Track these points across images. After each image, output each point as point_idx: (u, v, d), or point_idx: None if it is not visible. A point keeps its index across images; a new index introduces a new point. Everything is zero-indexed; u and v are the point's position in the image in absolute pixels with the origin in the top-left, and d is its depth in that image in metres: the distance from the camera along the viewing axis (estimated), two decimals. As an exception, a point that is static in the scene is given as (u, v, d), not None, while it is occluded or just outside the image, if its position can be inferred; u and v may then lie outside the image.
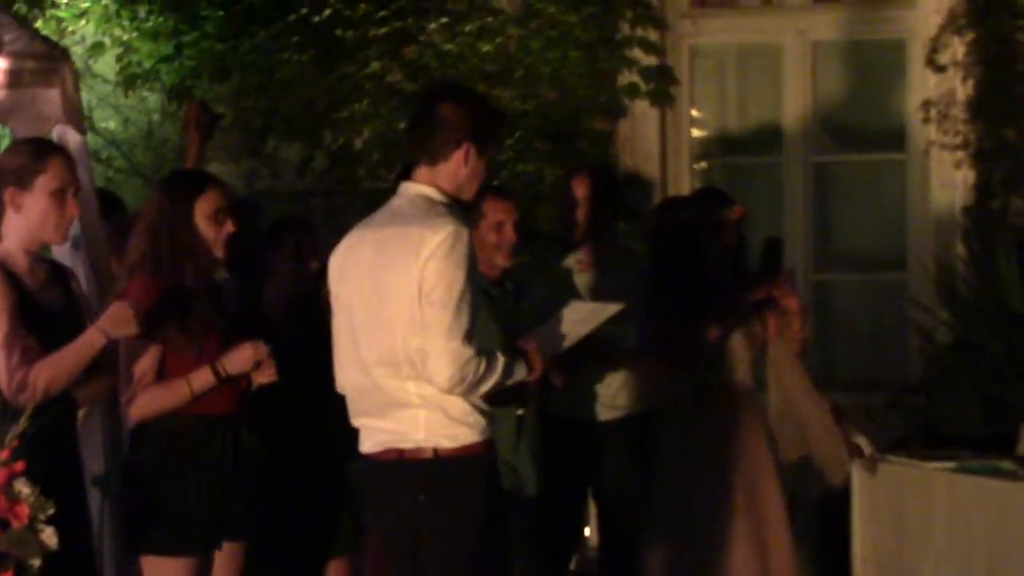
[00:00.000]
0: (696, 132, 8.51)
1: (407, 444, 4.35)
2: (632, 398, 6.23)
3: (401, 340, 4.31)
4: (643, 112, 8.31)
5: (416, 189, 4.46)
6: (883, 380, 7.87)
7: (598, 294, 6.12)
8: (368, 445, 4.44)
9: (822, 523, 6.36)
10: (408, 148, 4.51)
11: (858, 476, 6.16)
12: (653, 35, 8.25)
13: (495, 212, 5.80)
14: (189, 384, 4.98)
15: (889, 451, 6.44)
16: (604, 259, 6.29)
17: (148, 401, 5.00)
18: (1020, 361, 6.69)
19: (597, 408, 6.13)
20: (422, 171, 4.47)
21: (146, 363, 4.98)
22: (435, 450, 4.34)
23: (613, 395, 6.18)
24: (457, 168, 4.44)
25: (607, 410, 6.17)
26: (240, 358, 5.02)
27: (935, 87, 8.00)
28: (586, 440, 6.09)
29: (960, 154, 7.88)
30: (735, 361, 5.87)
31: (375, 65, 8.31)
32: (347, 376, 4.48)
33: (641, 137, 8.33)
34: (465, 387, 4.30)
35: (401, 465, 4.35)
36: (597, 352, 5.68)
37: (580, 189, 6.30)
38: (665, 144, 8.37)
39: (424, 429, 4.34)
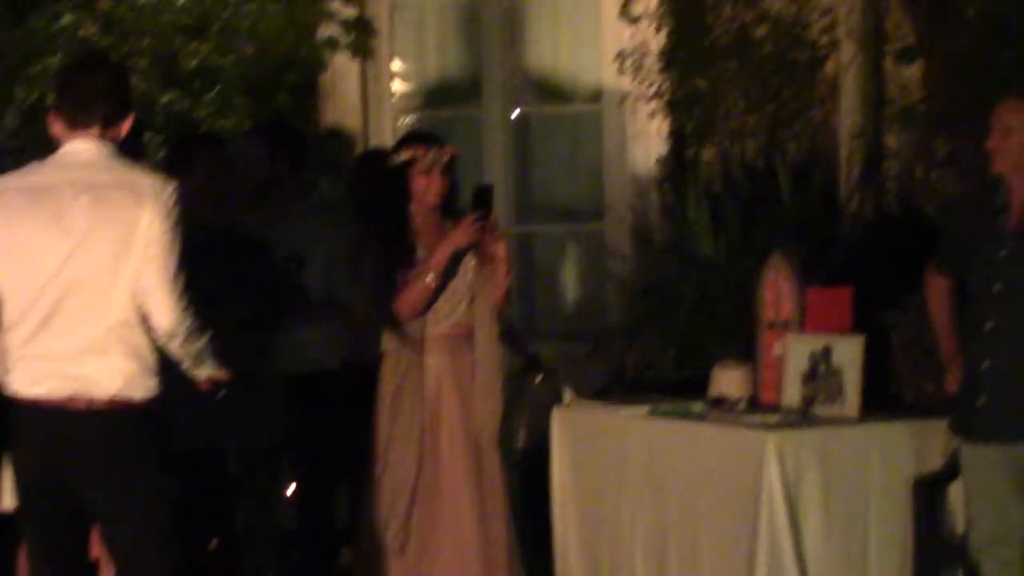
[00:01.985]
0: (397, 85, 8.51)
1: (98, 393, 4.46)
2: (330, 351, 6.28)
3: (122, 288, 4.48)
4: (343, 65, 8.27)
5: (96, 144, 4.61)
6: (584, 329, 8.01)
7: (280, 249, 6.16)
8: (43, 389, 4.51)
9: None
10: (76, 115, 4.62)
11: (557, 424, 6.26)
12: (352, -12, 8.23)
13: (205, 163, 5.80)
14: None
15: (590, 399, 6.57)
16: (290, 212, 6.35)
17: None
18: (710, 305, 6.85)
19: (289, 362, 6.15)
20: (92, 131, 4.62)
21: None
22: (129, 400, 4.49)
23: (303, 348, 6.22)
24: (121, 133, 4.66)
25: (300, 364, 6.20)
26: None
27: (629, 38, 8.14)
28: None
29: (654, 104, 8.03)
30: (451, 310, 5.86)
31: (68, 18, 8.12)
32: (26, 321, 4.52)
33: (342, 91, 8.30)
34: (184, 335, 4.56)
35: (89, 413, 4.47)
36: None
37: (256, 146, 6.36)
38: (366, 97, 8.35)
39: (122, 379, 4.47)
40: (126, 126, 4.66)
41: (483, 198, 5.78)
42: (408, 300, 5.77)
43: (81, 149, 4.60)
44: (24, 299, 4.53)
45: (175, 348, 4.59)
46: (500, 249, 5.80)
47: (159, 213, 4.51)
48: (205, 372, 4.71)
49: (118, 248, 4.50)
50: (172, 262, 4.53)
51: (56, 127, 4.65)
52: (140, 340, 4.54)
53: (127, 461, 4.50)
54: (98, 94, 4.60)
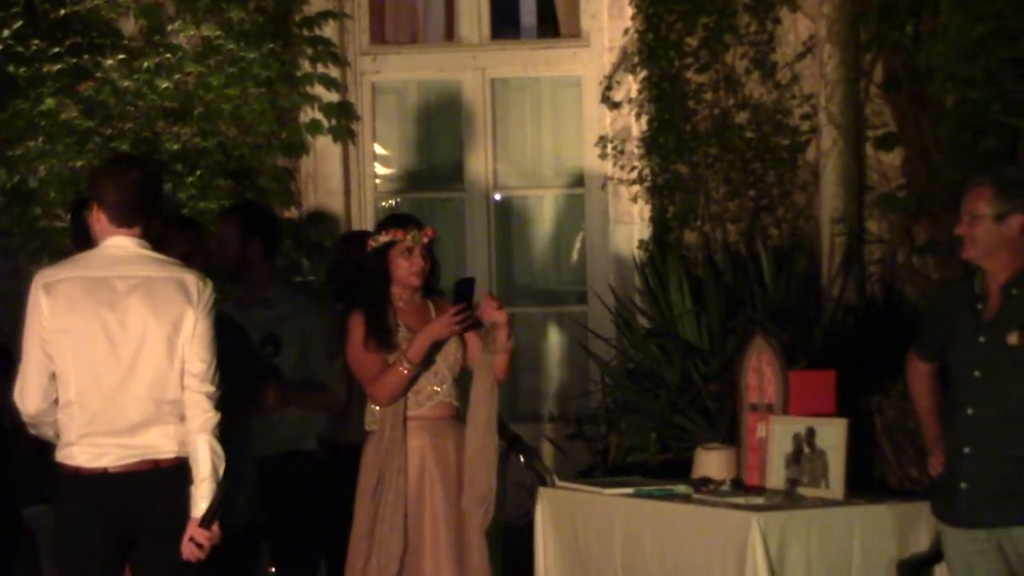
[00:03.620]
0: (379, 168, 8.55)
1: (164, 455, 5.02)
2: (306, 432, 6.27)
3: (175, 370, 5.03)
4: (326, 149, 8.32)
5: (136, 241, 5.10)
6: (567, 412, 8.00)
7: (255, 331, 6.16)
8: (109, 460, 4.99)
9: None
10: (122, 215, 5.07)
11: (542, 504, 6.24)
12: (334, 72, 8.28)
13: (182, 242, 5.77)
14: None
15: (573, 480, 6.55)
16: (265, 294, 6.36)
17: None
18: (693, 388, 6.86)
19: (263, 444, 6.11)
20: (134, 230, 5.10)
21: None
22: (179, 458, 5.04)
23: (277, 429, 6.20)
24: (150, 230, 5.15)
25: (274, 445, 6.17)
26: None
27: (611, 123, 8.20)
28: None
29: (636, 188, 8.08)
30: (433, 392, 5.85)
31: (50, 102, 8.14)
32: (88, 401, 5.00)
33: (324, 174, 8.34)
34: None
35: (157, 472, 5.01)
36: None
37: (229, 227, 6.38)
38: (348, 180, 8.39)
39: (176, 441, 5.03)
40: (156, 223, 5.20)
41: (464, 291, 5.78)
42: (385, 385, 5.78)
43: (125, 244, 5.08)
44: (81, 381, 5.00)
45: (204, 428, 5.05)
46: (501, 316, 5.79)
47: (204, 310, 5.06)
48: None
49: (171, 335, 5.02)
50: (210, 353, 5.08)
51: (99, 222, 5.09)
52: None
53: (181, 511, 5.00)
54: (143, 197, 5.09)
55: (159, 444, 5.01)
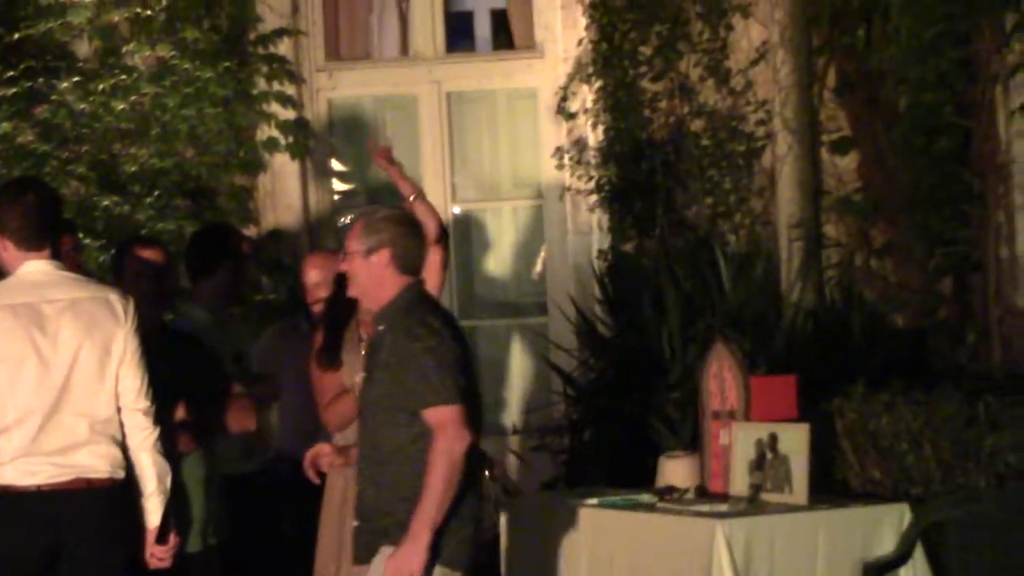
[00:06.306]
0: (337, 184, 8.55)
1: (96, 475, 5.04)
2: (264, 450, 6.29)
3: (107, 390, 5.06)
4: (283, 166, 8.32)
5: (51, 264, 5.11)
6: (530, 423, 8.02)
7: (228, 348, 6.17)
8: (41, 477, 5.02)
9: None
10: (28, 240, 5.07)
11: (507, 517, 6.25)
12: (290, 89, 8.28)
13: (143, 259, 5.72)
14: None
15: (538, 491, 6.57)
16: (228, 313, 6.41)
17: None
18: (658, 396, 6.88)
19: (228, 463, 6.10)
20: (44, 253, 5.10)
21: None
22: (113, 479, 5.08)
23: (239, 448, 6.19)
24: (61, 249, 5.21)
25: (234, 464, 6.16)
26: None
27: (567, 134, 8.23)
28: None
29: (594, 198, 8.10)
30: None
31: (6, 126, 8.10)
32: (25, 425, 5.01)
33: (283, 191, 8.34)
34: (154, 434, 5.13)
35: (89, 492, 5.03)
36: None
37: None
38: (307, 197, 8.38)
39: (109, 462, 5.06)
40: (66, 242, 5.28)
41: None
42: (335, 412, 5.74)
43: (43, 268, 5.10)
44: (19, 406, 5.03)
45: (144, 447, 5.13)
46: None
47: (131, 327, 5.09)
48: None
49: (102, 356, 5.05)
50: (142, 370, 5.10)
51: (6, 250, 5.10)
52: (120, 430, 5.11)
53: (114, 531, 5.07)
54: (45, 218, 5.09)
55: (92, 464, 5.04)
